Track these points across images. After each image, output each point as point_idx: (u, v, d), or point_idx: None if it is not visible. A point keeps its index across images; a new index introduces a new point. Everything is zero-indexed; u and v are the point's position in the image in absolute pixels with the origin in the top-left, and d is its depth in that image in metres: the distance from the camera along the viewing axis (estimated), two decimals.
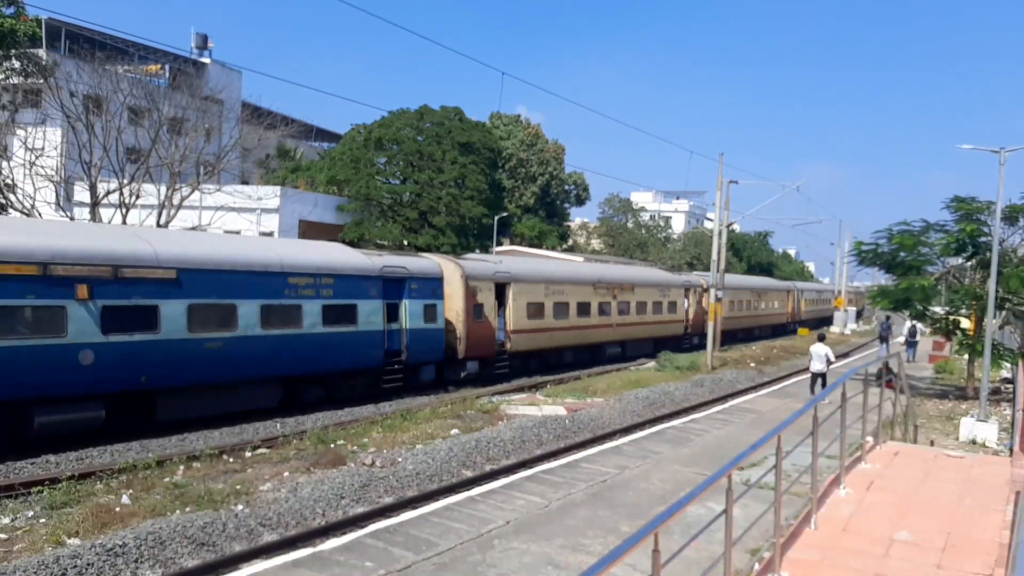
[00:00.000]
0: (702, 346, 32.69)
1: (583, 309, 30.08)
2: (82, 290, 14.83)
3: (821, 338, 22.05)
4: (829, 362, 21.01)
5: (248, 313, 17.78)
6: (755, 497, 9.32)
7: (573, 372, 28.56)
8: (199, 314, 16.82)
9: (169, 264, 16.35)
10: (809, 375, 21.72)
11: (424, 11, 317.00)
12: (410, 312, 22.20)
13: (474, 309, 24.68)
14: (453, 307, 23.89)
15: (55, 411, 14.55)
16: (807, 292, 67.89)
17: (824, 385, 20.60)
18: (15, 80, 29.47)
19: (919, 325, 33.08)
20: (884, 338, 39.19)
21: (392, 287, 21.72)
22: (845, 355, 40.04)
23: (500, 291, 25.98)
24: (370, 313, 20.77)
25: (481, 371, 25.05)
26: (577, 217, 79.04)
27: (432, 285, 23.13)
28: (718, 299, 32.79)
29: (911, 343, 35.95)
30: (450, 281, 23.93)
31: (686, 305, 39.57)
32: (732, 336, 44.14)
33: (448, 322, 23.62)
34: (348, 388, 20.80)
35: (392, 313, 21.67)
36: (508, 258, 31.24)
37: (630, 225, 79.34)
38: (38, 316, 14.32)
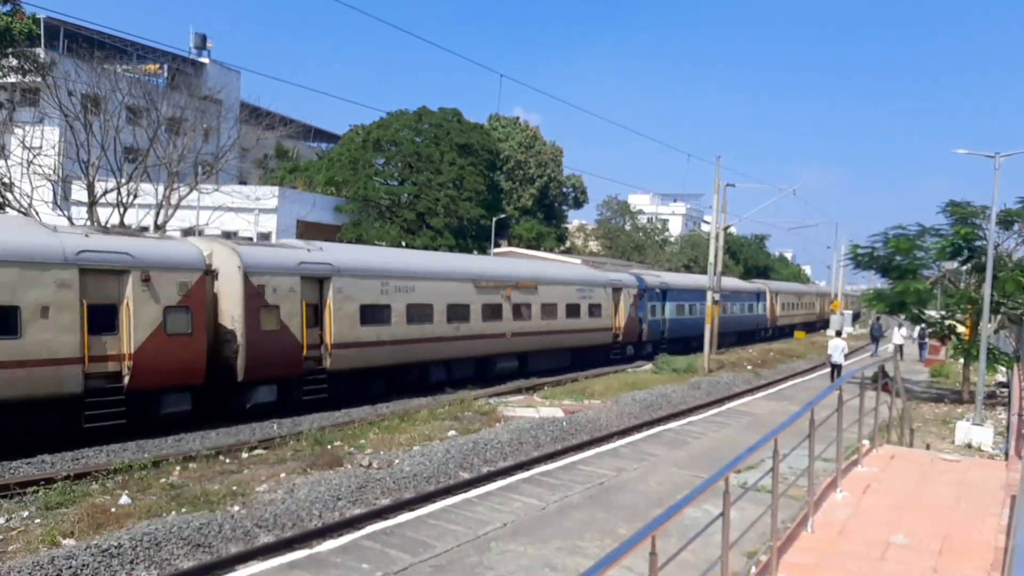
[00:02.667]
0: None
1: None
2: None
3: (838, 334, 29.06)
4: (845, 355, 25.84)
5: (738, 307, 46.52)
6: (752, 500, 9.34)
7: (571, 374, 28.58)
8: (729, 309, 43.59)
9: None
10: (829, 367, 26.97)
11: (423, 13, 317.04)
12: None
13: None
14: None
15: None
16: (678, 293, 39.57)
17: (840, 375, 24.77)
18: (13, 78, 29.43)
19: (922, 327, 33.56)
20: (876, 338, 40.35)
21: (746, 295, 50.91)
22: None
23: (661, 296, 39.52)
24: (756, 307, 51.08)
25: None
26: (575, 219, 79.16)
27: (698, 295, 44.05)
28: (715, 302, 32.87)
29: (922, 344, 36.65)
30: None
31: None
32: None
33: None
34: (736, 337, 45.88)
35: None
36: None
37: (627, 227, 79.39)
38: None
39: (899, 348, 35.65)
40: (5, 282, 13.93)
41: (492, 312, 25.68)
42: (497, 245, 53.84)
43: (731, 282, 48.79)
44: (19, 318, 14.09)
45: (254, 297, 18.15)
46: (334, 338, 19.95)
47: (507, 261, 33.46)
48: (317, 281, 19.86)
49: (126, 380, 15.68)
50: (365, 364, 21.04)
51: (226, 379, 17.81)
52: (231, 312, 17.95)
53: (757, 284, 54.53)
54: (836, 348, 26.05)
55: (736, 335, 46.16)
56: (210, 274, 17.77)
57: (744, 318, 48.59)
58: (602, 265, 41.78)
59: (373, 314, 21.15)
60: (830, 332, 58.36)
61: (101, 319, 15.35)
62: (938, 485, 9.85)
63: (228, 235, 38.77)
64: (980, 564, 7.06)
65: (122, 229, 21.24)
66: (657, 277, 37.86)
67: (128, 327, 15.71)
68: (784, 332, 56.13)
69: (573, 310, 29.85)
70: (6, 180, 27.34)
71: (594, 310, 31.08)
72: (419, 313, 22.74)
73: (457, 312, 24.24)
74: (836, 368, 25.96)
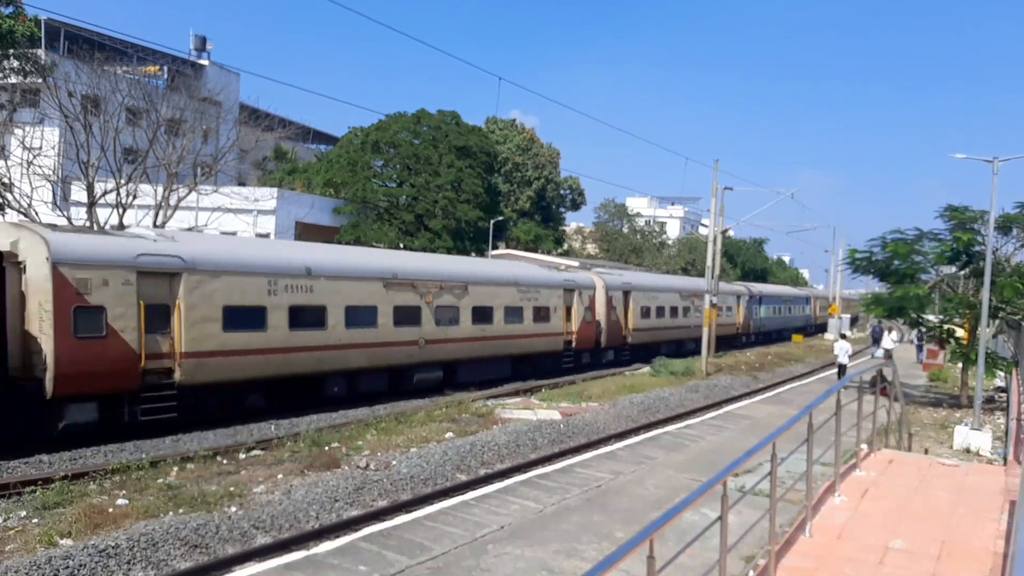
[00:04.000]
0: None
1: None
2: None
3: (843, 336, 31.59)
4: (849, 356, 28.45)
5: (796, 308, 64.22)
6: (750, 504, 9.31)
7: (568, 376, 28.58)
8: (792, 310, 63.35)
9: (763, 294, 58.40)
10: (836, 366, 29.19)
11: (422, 16, 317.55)
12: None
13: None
14: None
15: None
16: (768, 298, 58.23)
17: (846, 374, 26.12)
18: (13, 79, 29.42)
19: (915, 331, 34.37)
20: (876, 340, 40.76)
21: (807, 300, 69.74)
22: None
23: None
24: (803, 309, 67.78)
25: None
26: (573, 222, 79.09)
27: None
28: (712, 305, 32.88)
29: (919, 346, 37.69)
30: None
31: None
32: None
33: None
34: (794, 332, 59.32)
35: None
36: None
37: (625, 230, 79.34)
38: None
39: (889, 353, 35.38)
40: (549, 295, 28.91)
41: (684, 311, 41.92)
42: (495, 247, 53.83)
43: (791, 290, 70.27)
44: (549, 312, 28.91)
45: (610, 302, 33.29)
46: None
47: (730, 285, 51.58)
48: (573, 291, 32.27)
49: (573, 344, 30.45)
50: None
51: (596, 346, 32.59)
52: (599, 310, 32.54)
53: (806, 291, 73.61)
54: (842, 349, 28.47)
55: (793, 329, 61.43)
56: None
57: (799, 317, 65.19)
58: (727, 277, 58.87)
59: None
60: (830, 336, 59.31)
61: (567, 313, 30.11)
62: (937, 490, 9.85)
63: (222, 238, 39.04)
64: (979, 569, 7.05)
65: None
66: (757, 287, 56.12)
67: (575, 317, 30.42)
68: (821, 328, 71.27)
69: (723, 311, 45.46)
70: (6, 180, 27.33)
71: (731, 311, 47.46)
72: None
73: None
74: (842, 368, 27.97)
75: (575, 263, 44.98)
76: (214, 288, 17.18)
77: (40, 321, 14.60)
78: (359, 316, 20.69)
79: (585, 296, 30.95)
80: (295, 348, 18.85)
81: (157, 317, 16.20)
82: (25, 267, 14.65)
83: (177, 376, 16.48)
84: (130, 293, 15.64)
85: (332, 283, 19.90)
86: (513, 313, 26.82)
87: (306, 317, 19.20)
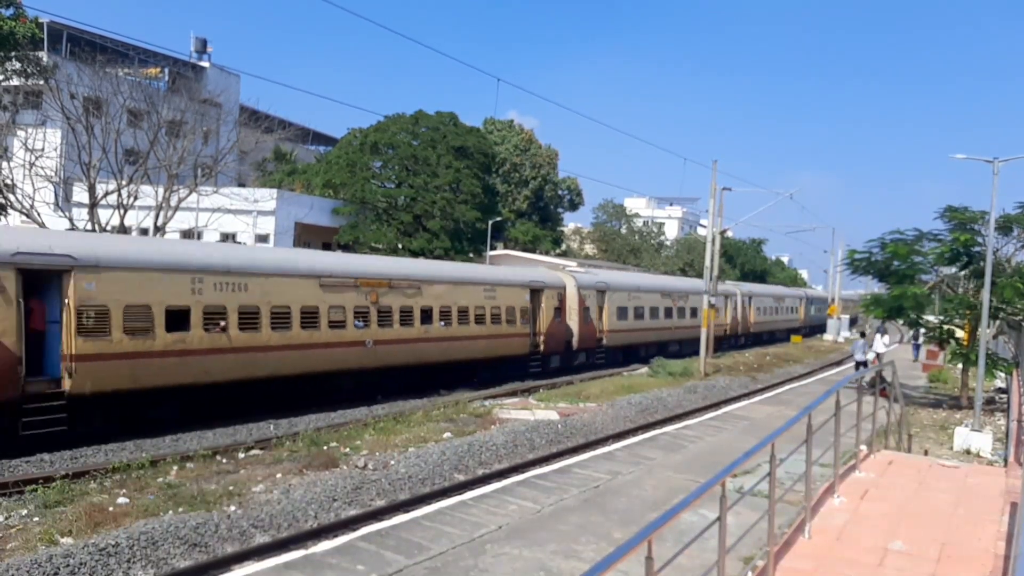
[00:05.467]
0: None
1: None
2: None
3: (862, 334, 32.81)
4: (865, 352, 29.85)
5: (818, 308, 73.78)
6: (749, 505, 9.31)
7: (566, 377, 28.58)
8: (821, 310, 73.54)
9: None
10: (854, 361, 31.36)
11: (420, 17, 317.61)
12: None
13: None
14: None
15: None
16: (815, 301, 75.86)
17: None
18: (16, 81, 29.46)
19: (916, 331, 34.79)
20: None
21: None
22: (838, 363, 40.09)
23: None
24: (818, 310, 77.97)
25: None
26: (571, 222, 79.04)
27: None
28: (711, 305, 32.90)
29: (916, 345, 38.55)
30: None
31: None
32: None
33: None
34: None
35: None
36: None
37: (623, 231, 79.31)
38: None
39: (880, 357, 34.91)
40: (721, 300, 43.38)
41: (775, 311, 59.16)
42: (493, 248, 53.80)
43: (817, 292, 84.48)
44: (720, 311, 42.15)
45: (742, 304, 48.98)
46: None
47: (793, 290, 72.51)
48: (729, 296, 48.26)
49: (727, 331, 45.71)
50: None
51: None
52: (739, 309, 49.33)
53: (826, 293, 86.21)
54: (858, 347, 30.54)
55: (821, 327, 71.56)
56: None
57: (822, 316, 72.74)
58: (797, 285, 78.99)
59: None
60: (828, 336, 59.59)
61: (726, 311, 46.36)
62: (936, 491, 9.85)
63: (226, 237, 39.24)
64: (979, 571, 7.06)
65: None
66: (811, 292, 75.65)
67: (730, 313, 47.02)
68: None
69: (793, 310, 63.23)
70: (8, 182, 27.37)
71: (796, 310, 64.22)
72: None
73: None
74: (861, 364, 29.25)
75: (573, 263, 45.11)
76: (615, 297, 34.04)
77: (570, 315, 30.58)
78: (654, 312, 37.66)
79: (733, 299, 47.83)
80: (636, 329, 36.09)
81: (597, 311, 32.78)
82: (565, 288, 30.23)
83: (604, 341, 33.14)
84: (593, 301, 32.16)
85: (647, 294, 37.22)
86: (698, 311, 39.87)
87: (638, 312, 36.22)
